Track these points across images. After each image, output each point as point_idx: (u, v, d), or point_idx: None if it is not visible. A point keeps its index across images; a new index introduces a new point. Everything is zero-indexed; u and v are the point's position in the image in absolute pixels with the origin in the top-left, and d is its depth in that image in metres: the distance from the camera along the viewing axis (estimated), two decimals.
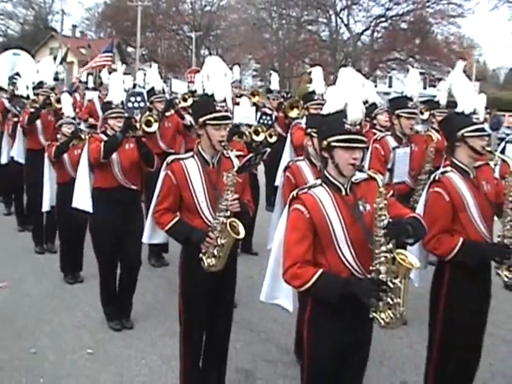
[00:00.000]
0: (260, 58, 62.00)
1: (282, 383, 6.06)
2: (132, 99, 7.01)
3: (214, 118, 5.04)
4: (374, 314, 3.84)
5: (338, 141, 3.94)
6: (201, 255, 5.00)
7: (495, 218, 5.09)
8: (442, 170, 5.05)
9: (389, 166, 6.90)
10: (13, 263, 9.65)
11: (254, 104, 12.52)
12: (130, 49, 70.04)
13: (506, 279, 4.92)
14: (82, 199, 7.16)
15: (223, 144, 5.08)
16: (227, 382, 5.71)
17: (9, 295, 8.24)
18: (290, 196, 4.13)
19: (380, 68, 56.46)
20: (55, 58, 20.52)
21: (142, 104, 7.07)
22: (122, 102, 7.05)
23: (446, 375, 5.09)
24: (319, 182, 4.12)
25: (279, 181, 6.21)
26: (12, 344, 6.76)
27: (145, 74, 12.85)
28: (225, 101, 5.20)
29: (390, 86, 54.12)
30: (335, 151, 3.97)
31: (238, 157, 5.07)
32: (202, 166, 5.14)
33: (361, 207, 4.04)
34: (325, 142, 4.00)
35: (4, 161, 11.44)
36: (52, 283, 8.77)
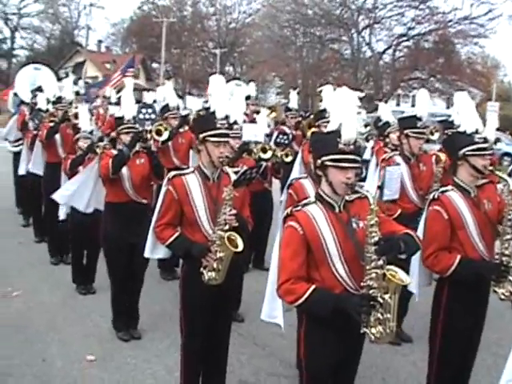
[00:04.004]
0: (284, 75, 62.13)
1: None
2: (143, 111, 7.20)
3: (214, 135, 5.18)
4: (365, 329, 3.93)
5: (331, 160, 4.06)
6: (201, 269, 5.13)
7: None
8: (442, 189, 5.16)
9: (379, 184, 6.99)
10: (28, 273, 9.84)
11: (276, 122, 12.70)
12: (154, 65, 70.59)
13: (502, 297, 4.99)
14: (62, 193, 7.55)
15: (222, 160, 5.22)
16: None
17: (22, 304, 8.41)
18: (284, 213, 4.26)
19: (401, 87, 56.37)
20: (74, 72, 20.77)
21: (152, 116, 7.26)
22: (134, 117, 7.23)
23: None
24: (313, 199, 4.24)
25: (283, 198, 6.32)
26: (23, 351, 6.92)
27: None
28: (226, 118, 5.35)
29: (413, 106, 54.01)
30: (329, 170, 4.09)
31: (236, 173, 5.20)
32: (202, 181, 5.28)
33: (354, 224, 4.15)
34: (319, 161, 4.13)
35: (22, 172, 11.67)
36: (65, 293, 8.93)
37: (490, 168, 5.16)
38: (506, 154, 29.61)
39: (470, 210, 4.97)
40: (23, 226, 13.10)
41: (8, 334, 7.34)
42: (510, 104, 53.59)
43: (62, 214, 8.99)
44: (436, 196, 5.07)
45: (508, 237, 4.98)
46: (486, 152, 5.09)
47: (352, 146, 4.11)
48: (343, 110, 4.23)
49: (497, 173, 5.41)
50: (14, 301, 8.50)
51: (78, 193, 7.90)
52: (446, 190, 5.08)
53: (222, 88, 5.56)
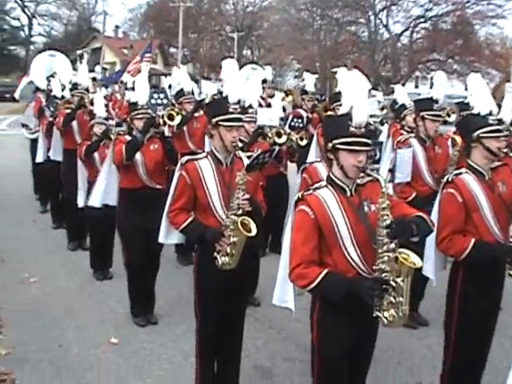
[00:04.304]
0: (302, 58, 61.89)
1: (298, 381, 6.14)
2: (155, 96, 7.22)
3: (227, 120, 5.15)
4: (378, 313, 3.91)
5: (342, 143, 4.03)
6: (215, 254, 5.12)
7: None
8: (456, 171, 5.11)
9: (390, 167, 6.94)
10: (46, 259, 9.92)
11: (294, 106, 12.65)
12: (172, 49, 70.60)
13: None
14: (95, 197, 7.46)
15: (234, 145, 5.19)
16: (244, 379, 5.83)
17: (40, 290, 8.47)
18: (296, 197, 4.24)
19: (419, 69, 56.04)
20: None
21: (164, 101, 7.28)
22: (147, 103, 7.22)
23: (461, 372, 5.18)
24: (324, 183, 4.22)
25: (297, 181, 6.29)
26: (39, 336, 6.97)
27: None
28: (239, 102, 5.31)
29: (432, 88, 53.56)
30: (340, 153, 4.07)
31: (249, 157, 5.17)
32: (215, 165, 5.25)
33: (366, 208, 4.12)
34: (330, 144, 4.10)
35: (40, 159, 11.66)
36: (82, 279, 8.99)
37: (505, 150, 5.10)
38: None
39: (485, 193, 4.92)
40: (41, 212, 13.18)
41: (25, 319, 7.39)
42: None
43: (81, 201, 9.02)
44: (450, 179, 5.03)
45: None
46: (501, 134, 5.04)
47: (363, 129, 4.07)
48: (354, 93, 4.20)
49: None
50: (31, 287, 8.56)
51: (107, 189, 7.89)
52: (460, 173, 5.03)
53: (234, 72, 5.52)
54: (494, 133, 4.96)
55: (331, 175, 4.19)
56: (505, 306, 5.85)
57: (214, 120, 5.21)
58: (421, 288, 7.14)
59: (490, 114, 5.08)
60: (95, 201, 7.94)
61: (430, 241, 4.97)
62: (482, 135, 4.95)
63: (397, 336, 6.88)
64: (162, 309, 7.71)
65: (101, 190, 7.84)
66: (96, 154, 8.68)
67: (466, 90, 7.45)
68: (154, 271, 7.55)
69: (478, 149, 5.00)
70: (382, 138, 9.34)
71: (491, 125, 4.98)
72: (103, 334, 7.07)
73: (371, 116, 9.71)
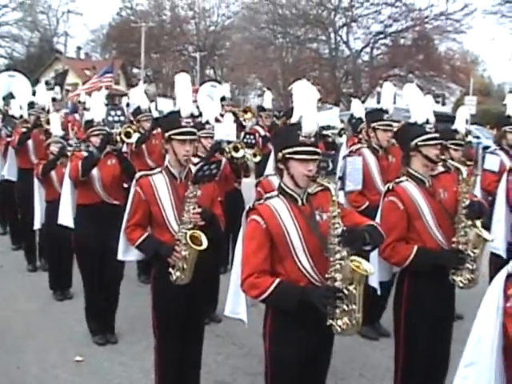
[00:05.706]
0: (264, 76, 62.01)
1: None
2: (112, 113, 7.19)
3: (179, 134, 5.15)
4: (331, 322, 3.89)
5: (292, 153, 4.04)
6: (170, 269, 5.09)
7: None
8: (396, 180, 5.17)
9: (340, 175, 6.99)
10: (5, 281, 9.81)
11: (242, 121, 12.62)
12: (135, 70, 70.41)
13: (460, 284, 4.96)
14: (65, 215, 7.29)
15: (187, 158, 5.19)
16: None
17: (0, 312, 8.36)
18: (247, 207, 4.23)
19: (380, 85, 56.29)
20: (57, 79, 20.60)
21: (121, 118, 7.24)
22: (104, 120, 7.19)
23: (411, 381, 5.13)
24: (276, 193, 4.22)
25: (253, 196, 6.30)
26: None
27: (146, 93, 12.92)
28: (192, 116, 5.31)
29: (394, 103, 53.90)
30: (290, 163, 4.07)
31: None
32: (169, 180, 5.25)
33: (317, 217, 4.12)
34: (280, 154, 4.11)
35: None
36: (42, 300, 8.90)
37: (442, 157, 5.21)
38: (486, 147, 29.81)
39: (426, 200, 4.98)
40: (0, 234, 13.04)
41: None
42: (490, 98, 53.80)
43: (37, 223, 8.92)
44: (391, 187, 5.10)
45: (463, 224, 4.96)
46: (437, 141, 5.13)
47: (313, 139, 4.09)
48: (303, 103, 4.22)
49: (450, 162, 5.47)
50: None
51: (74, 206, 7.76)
52: (401, 181, 5.11)
53: (186, 87, 5.52)
54: (431, 140, 5.05)
55: (282, 185, 4.20)
56: (466, 315, 5.86)
57: (166, 134, 5.21)
58: (382, 300, 7.14)
59: (427, 122, 5.17)
60: (67, 221, 7.45)
61: (373, 252, 4.98)
62: (419, 143, 5.03)
63: (359, 348, 6.90)
64: (122, 327, 7.64)
65: (69, 207, 7.54)
66: (53, 174, 8.61)
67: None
68: (114, 294, 7.46)
69: (416, 157, 5.08)
70: (342, 150, 9.40)
71: (428, 133, 5.07)
72: (63, 354, 7.00)
73: (329, 128, 9.78)
